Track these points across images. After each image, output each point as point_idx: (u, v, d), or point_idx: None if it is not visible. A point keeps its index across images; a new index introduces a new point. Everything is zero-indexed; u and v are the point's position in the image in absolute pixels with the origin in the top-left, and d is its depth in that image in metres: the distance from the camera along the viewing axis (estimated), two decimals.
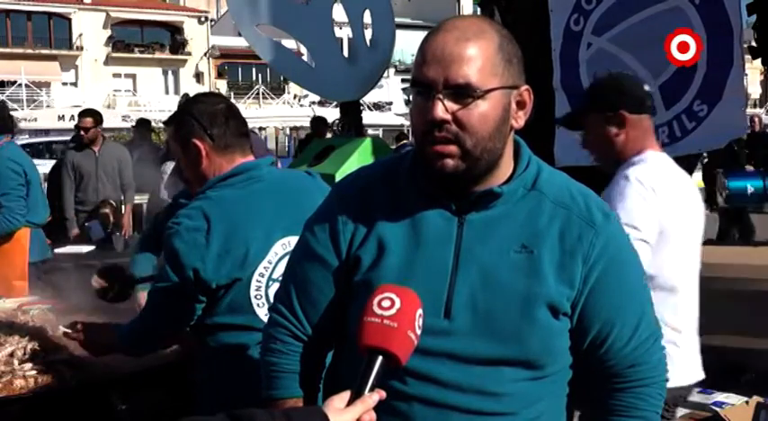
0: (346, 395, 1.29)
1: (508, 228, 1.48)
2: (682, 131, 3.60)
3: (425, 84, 1.42)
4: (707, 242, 3.89)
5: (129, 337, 2.38)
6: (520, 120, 1.49)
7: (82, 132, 6.90)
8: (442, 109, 1.40)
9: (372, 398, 1.29)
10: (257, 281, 2.26)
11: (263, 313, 2.24)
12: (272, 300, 2.20)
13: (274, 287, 2.20)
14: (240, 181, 2.31)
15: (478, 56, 1.41)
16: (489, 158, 1.45)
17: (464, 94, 1.40)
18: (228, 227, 2.23)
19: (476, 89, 1.40)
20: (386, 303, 1.32)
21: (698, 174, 16.37)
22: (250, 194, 2.29)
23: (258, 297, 2.26)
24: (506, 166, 1.51)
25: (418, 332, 1.34)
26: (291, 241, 2.15)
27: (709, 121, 3.52)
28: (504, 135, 1.47)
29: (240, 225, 2.25)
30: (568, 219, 1.49)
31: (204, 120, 2.34)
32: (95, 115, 7.11)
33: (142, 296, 2.90)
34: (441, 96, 1.40)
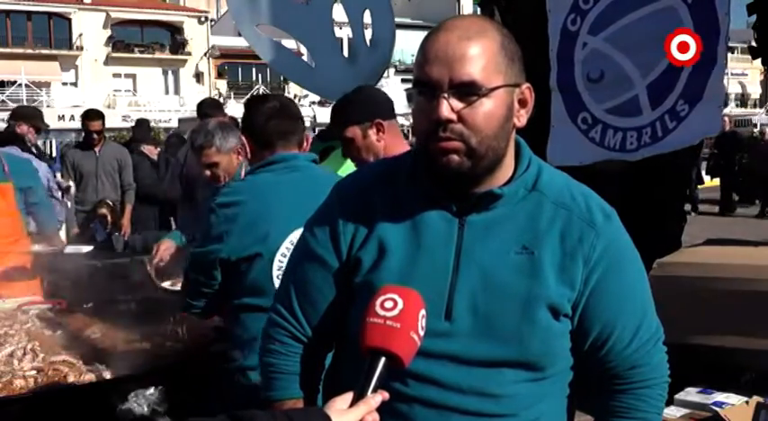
0: (348, 396, 1.28)
1: (509, 229, 1.47)
2: (663, 131, 3.61)
3: (429, 83, 1.41)
4: (707, 242, 3.90)
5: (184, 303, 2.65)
6: (522, 118, 1.49)
7: (95, 136, 6.91)
8: (448, 108, 1.39)
9: (375, 399, 1.28)
10: (279, 260, 2.40)
11: None
12: None
13: None
14: (278, 168, 2.52)
15: (482, 54, 1.40)
16: (493, 157, 1.45)
17: (469, 92, 1.40)
18: (258, 205, 2.45)
19: (481, 87, 1.40)
20: (388, 304, 1.32)
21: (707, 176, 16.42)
22: (284, 181, 2.49)
23: (280, 277, 2.32)
24: (508, 167, 1.51)
25: (421, 333, 1.33)
26: None
27: (688, 121, 3.53)
28: (508, 133, 1.47)
29: (269, 205, 2.44)
30: (569, 220, 1.49)
31: (249, 118, 2.62)
32: (102, 117, 7.15)
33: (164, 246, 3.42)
34: (445, 96, 1.39)
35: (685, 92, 3.53)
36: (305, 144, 2.68)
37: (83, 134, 7.34)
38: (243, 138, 2.67)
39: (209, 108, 5.85)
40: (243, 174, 4.13)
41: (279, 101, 2.66)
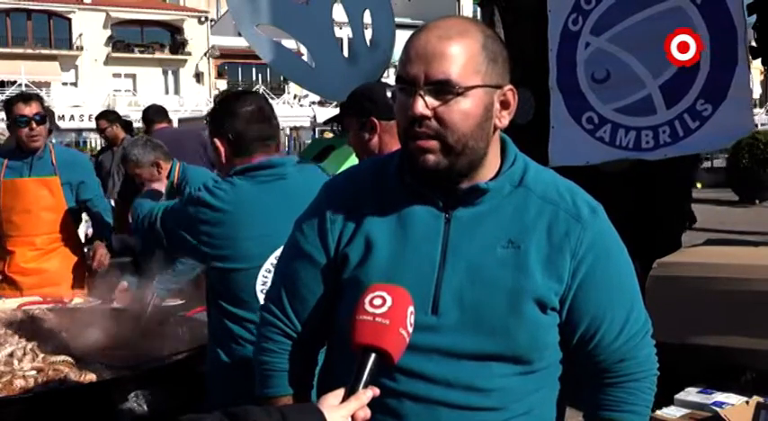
0: (340, 392, 1.31)
1: (495, 223, 1.49)
2: (685, 131, 3.60)
3: (407, 80, 1.44)
4: (707, 242, 3.90)
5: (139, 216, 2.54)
6: (504, 119, 1.50)
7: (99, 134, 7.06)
8: (422, 105, 1.41)
9: (366, 394, 1.30)
10: (263, 276, 2.31)
11: None
12: None
13: None
14: (264, 175, 2.37)
15: (460, 53, 1.42)
16: (471, 155, 1.46)
17: (445, 90, 1.41)
18: (241, 218, 2.32)
19: (455, 85, 1.41)
20: (377, 301, 1.34)
21: None
22: (271, 191, 2.35)
23: (264, 292, 2.29)
24: (492, 164, 1.52)
25: (410, 329, 1.35)
26: None
27: (713, 121, 3.52)
28: (487, 133, 1.47)
29: (253, 219, 2.32)
30: (556, 214, 1.50)
31: (225, 122, 2.41)
32: (107, 116, 7.27)
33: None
34: (421, 93, 1.42)
35: (705, 91, 3.52)
36: (280, 147, 2.55)
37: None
38: (218, 141, 2.41)
39: (154, 114, 5.95)
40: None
41: (255, 102, 2.45)
